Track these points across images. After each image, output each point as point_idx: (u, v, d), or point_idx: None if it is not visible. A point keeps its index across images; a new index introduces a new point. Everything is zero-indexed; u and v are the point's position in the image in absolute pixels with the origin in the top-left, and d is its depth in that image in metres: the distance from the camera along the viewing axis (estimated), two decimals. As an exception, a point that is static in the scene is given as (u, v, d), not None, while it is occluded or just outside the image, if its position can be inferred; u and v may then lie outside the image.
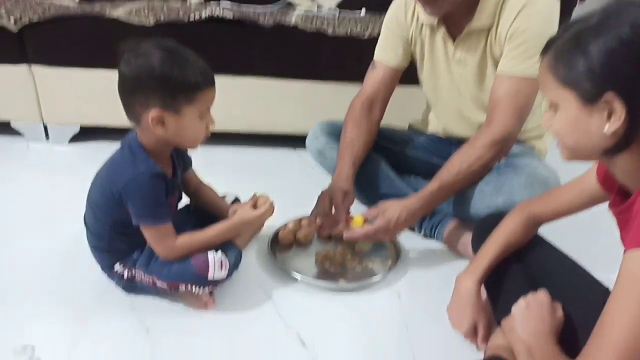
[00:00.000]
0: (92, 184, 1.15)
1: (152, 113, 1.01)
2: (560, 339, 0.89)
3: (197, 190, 1.31)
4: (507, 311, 0.99)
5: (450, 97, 1.45)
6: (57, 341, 1.07)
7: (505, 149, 1.33)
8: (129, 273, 1.16)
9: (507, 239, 1.07)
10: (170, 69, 0.99)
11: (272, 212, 1.24)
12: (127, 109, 1.05)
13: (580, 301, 0.98)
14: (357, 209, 1.65)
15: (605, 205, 0.91)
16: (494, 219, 1.14)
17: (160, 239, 1.11)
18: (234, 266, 1.19)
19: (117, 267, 1.17)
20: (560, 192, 1.05)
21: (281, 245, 1.42)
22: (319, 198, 1.37)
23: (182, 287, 1.12)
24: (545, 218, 1.07)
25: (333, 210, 1.36)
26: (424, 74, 1.48)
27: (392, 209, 1.28)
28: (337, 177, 1.39)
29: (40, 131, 2.03)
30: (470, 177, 1.31)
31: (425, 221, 1.48)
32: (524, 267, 1.07)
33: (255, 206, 1.22)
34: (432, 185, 1.30)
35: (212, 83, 1.06)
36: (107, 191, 1.09)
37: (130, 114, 1.06)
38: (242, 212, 1.20)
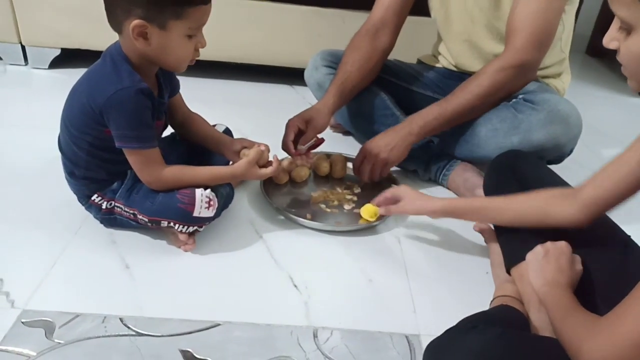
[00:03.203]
0: (68, 100, 1.03)
1: (134, 23, 0.89)
2: (575, 294, 0.82)
3: (186, 120, 1.19)
4: (519, 259, 0.92)
5: (462, 25, 1.32)
6: (28, 274, 0.99)
7: (523, 80, 1.21)
8: (108, 204, 1.07)
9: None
10: None
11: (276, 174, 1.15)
12: (108, 12, 0.93)
13: (602, 255, 0.89)
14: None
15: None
16: (510, 157, 1.05)
17: (146, 165, 1.01)
18: (223, 205, 1.11)
19: (95, 197, 1.07)
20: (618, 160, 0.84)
21: (275, 184, 1.32)
22: None
23: (164, 223, 1.03)
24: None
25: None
26: None
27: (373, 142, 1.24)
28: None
29: (18, 53, 1.89)
30: (470, 107, 1.21)
31: (430, 163, 1.38)
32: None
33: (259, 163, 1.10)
34: (431, 111, 1.23)
35: None
36: (87, 107, 0.96)
37: (111, 18, 0.94)
38: (247, 167, 1.08)
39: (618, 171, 0.81)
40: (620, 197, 0.82)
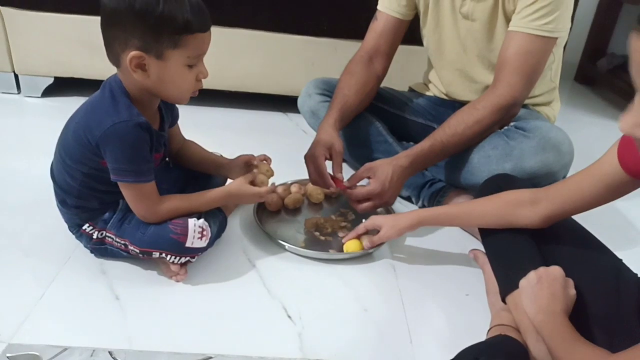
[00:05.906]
0: (64, 129, 1.02)
1: (131, 54, 0.89)
2: (570, 318, 0.81)
3: (182, 148, 1.19)
4: (513, 286, 0.91)
5: (454, 54, 1.34)
6: (14, 305, 0.97)
7: (510, 115, 1.24)
8: (99, 234, 1.05)
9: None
10: (155, 2, 0.85)
11: (271, 195, 1.15)
12: (106, 46, 0.93)
13: (595, 280, 0.89)
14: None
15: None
16: (499, 180, 1.07)
17: (141, 200, 0.99)
18: (216, 235, 1.10)
19: (87, 227, 1.06)
20: (572, 182, 0.91)
21: (268, 211, 1.31)
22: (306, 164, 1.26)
23: (156, 254, 1.02)
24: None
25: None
26: (427, 27, 1.36)
27: (382, 168, 1.19)
28: (320, 130, 1.28)
29: (11, 81, 1.90)
30: (466, 141, 1.22)
31: (423, 190, 1.38)
32: (533, 239, 0.98)
33: (254, 183, 1.10)
34: (424, 143, 1.22)
35: (206, 26, 0.92)
36: (83, 138, 0.95)
37: (109, 52, 0.93)
38: (240, 186, 1.08)
39: (579, 186, 0.88)
40: (578, 210, 0.91)
